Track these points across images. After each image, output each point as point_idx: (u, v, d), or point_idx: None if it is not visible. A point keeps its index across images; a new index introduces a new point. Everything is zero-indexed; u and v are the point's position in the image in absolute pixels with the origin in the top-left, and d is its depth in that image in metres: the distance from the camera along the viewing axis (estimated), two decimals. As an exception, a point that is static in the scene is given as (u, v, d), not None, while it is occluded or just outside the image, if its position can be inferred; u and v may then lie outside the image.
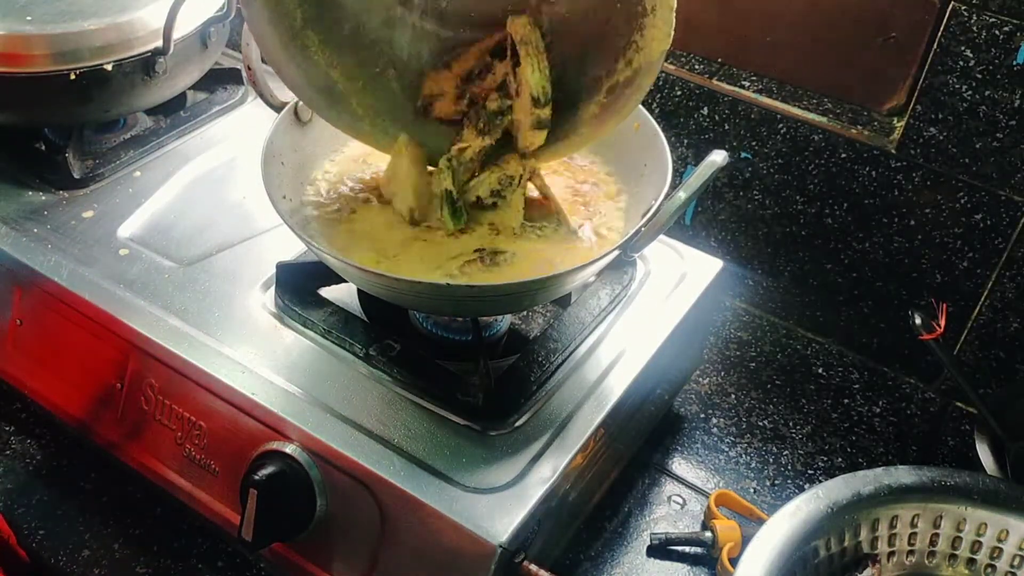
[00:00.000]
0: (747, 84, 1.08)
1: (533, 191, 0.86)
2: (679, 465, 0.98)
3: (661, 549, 0.89)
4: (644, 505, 0.93)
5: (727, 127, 1.09)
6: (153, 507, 0.89)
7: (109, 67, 0.98)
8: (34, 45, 0.95)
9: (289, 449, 0.75)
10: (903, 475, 0.79)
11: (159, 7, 1.01)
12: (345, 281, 0.87)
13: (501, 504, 0.70)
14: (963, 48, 0.91)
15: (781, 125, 1.06)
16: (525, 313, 0.93)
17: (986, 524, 0.78)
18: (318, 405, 0.77)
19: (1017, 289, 0.99)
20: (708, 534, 0.88)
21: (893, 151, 1.00)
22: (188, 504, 0.83)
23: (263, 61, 0.84)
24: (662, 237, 0.86)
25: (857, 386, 1.10)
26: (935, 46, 0.93)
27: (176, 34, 1.01)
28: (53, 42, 0.96)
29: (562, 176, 0.90)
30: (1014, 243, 0.97)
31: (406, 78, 0.85)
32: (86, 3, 1.00)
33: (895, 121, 1.03)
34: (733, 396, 1.07)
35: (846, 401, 1.08)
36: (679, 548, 0.89)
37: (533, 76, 0.79)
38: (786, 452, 1.01)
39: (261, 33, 0.79)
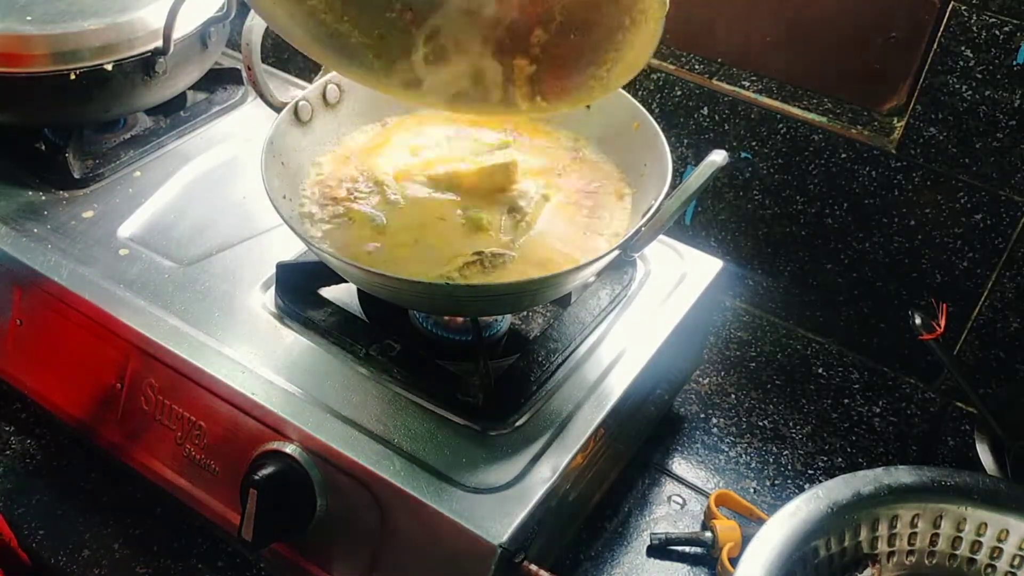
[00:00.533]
0: (747, 84, 1.08)
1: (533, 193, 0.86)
2: (679, 465, 0.98)
3: (661, 549, 0.89)
4: (644, 505, 0.93)
5: (727, 127, 1.09)
6: (153, 507, 0.89)
7: (109, 67, 0.98)
8: (34, 45, 0.95)
9: (289, 449, 0.75)
10: (903, 475, 0.79)
11: (159, 7, 1.01)
12: (345, 281, 0.87)
13: (501, 504, 0.70)
14: (963, 48, 0.91)
15: (781, 125, 1.06)
16: (525, 313, 0.93)
17: (986, 524, 0.78)
18: (318, 405, 0.77)
19: (1017, 289, 0.99)
20: (708, 534, 0.88)
21: (893, 151, 1.00)
22: (188, 504, 0.83)
23: (263, 59, 0.84)
24: (662, 237, 0.86)
25: (857, 386, 1.10)
26: (935, 46, 0.93)
27: (176, 34, 1.01)
28: (53, 42, 0.96)
29: (570, 176, 0.90)
30: (1014, 243, 0.97)
31: (424, 20, 0.82)
32: (86, 3, 1.00)
33: (895, 121, 1.03)
34: (733, 396, 1.07)
35: (846, 401, 1.08)
36: (679, 548, 0.89)
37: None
38: (786, 452, 1.01)
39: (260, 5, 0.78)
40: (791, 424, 1.04)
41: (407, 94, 0.84)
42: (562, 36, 0.81)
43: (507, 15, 0.81)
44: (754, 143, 1.08)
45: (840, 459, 1.00)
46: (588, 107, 0.92)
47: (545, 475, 0.73)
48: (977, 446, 0.91)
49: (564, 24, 0.80)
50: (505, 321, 0.90)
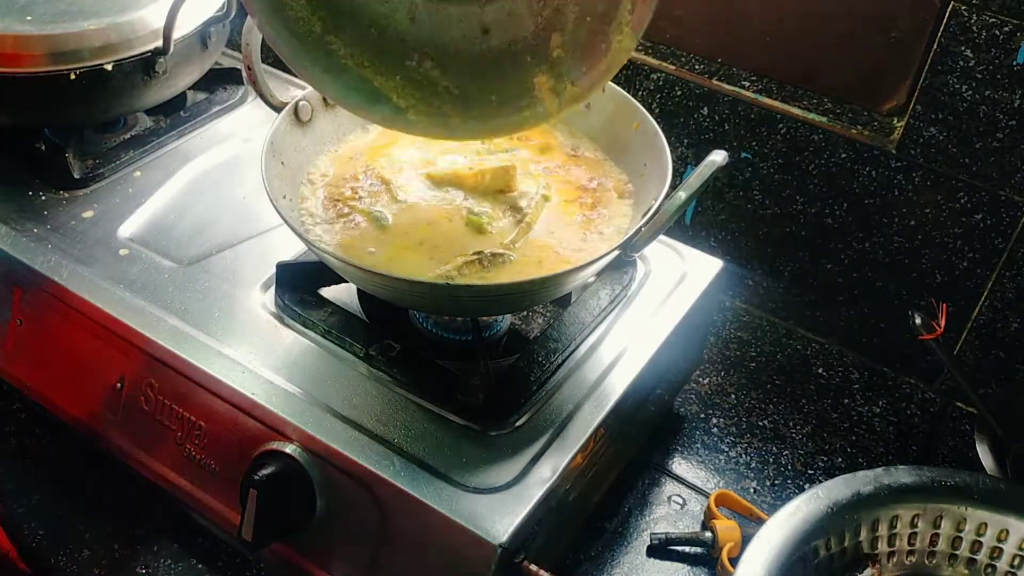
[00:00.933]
0: (747, 84, 1.08)
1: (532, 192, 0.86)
2: (679, 465, 0.98)
3: (661, 549, 0.89)
4: (644, 505, 0.93)
5: (727, 127, 1.09)
6: (153, 507, 0.89)
7: (109, 67, 0.97)
8: (34, 45, 0.95)
9: (289, 449, 0.75)
10: (903, 475, 0.79)
11: (159, 7, 1.01)
12: (345, 281, 0.87)
13: (501, 504, 0.70)
14: (963, 48, 0.91)
15: (781, 125, 1.06)
16: (525, 313, 0.93)
17: (986, 524, 0.78)
18: (318, 405, 0.77)
19: (1017, 289, 0.99)
20: (708, 534, 0.88)
21: (893, 151, 1.00)
22: (188, 504, 0.83)
23: (259, 72, 0.84)
24: (662, 237, 0.86)
25: (857, 386, 1.10)
26: (935, 46, 0.93)
27: (176, 34, 1.00)
28: (53, 42, 0.96)
29: (570, 176, 0.90)
30: (1014, 243, 0.97)
31: (447, 65, 0.82)
32: (86, 3, 1.00)
33: (895, 121, 1.03)
34: (733, 396, 1.07)
35: (846, 401, 1.08)
36: (679, 548, 0.89)
37: None
38: (786, 452, 1.01)
39: (275, 42, 0.78)
40: (791, 424, 1.04)
41: (436, 133, 0.84)
42: (579, 25, 0.80)
43: (521, 36, 0.81)
44: (754, 143, 1.08)
45: (840, 459, 1.00)
46: (588, 106, 0.92)
47: (545, 475, 0.73)
48: (977, 446, 0.91)
49: (579, 15, 0.79)
50: (505, 321, 0.90)
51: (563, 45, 0.80)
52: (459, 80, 0.83)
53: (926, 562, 0.79)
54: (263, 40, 0.84)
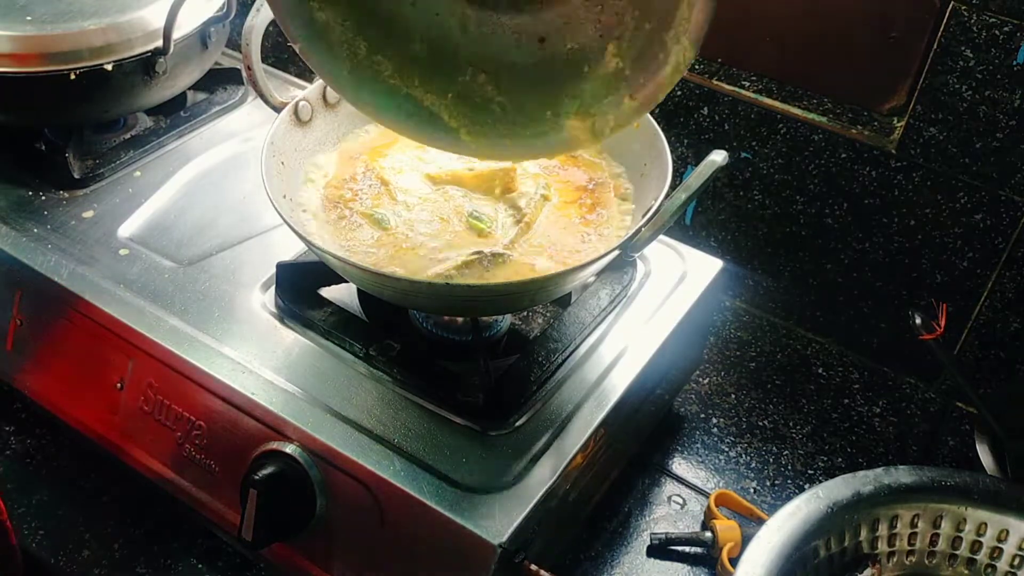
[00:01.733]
0: (747, 84, 1.08)
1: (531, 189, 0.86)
2: (679, 465, 0.98)
3: (661, 549, 0.89)
4: (644, 505, 0.93)
5: (727, 127, 1.09)
6: (153, 507, 0.89)
7: (109, 67, 0.98)
8: (34, 45, 0.95)
9: (289, 449, 0.75)
10: (903, 475, 0.79)
11: (159, 7, 1.01)
12: (345, 281, 0.87)
13: (501, 504, 0.70)
14: (963, 48, 0.91)
15: (781, 125, 1.06)
16: (525, 313, 0.93)
17: (986, 524, 0.78)
18: (318, 405, 0.77)
19: (1017, 289, 0.99)
20: (708, 534, 0.88)
21: (893, 151, 1.00)
22: (188, 504, 0.83)
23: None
24: (662, 237, 0.86)
25: (857, 386, 1.10)
26: (935, 46, 0.93)
27: (176, 34, 1.01)
28: (53, 42, 0.96)
29: (570, 176, 0.90)
30: (1014, 243, 0.97)
31: (501, 78, 0.79)
32: (86, 3, 1.01)
33: (895, 121, 1.03)
34: (733, 396, 1.07)
35: (846, 401, 1.08)
36: (679, 548, 0.89)
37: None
38: (786, 452, 1.01)
39: (318, 68, 0.75)
40: (791, 424, 1.04)
41: (490, 155, 0.81)
42: (637, 32, 0.75)
43: (578, 43, 0.77)
44: (754, 143, 1.08)
45: (840, 459, 1.00)
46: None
47: (545, 475, 0.73)
48: (977, 446, 0.91)
49: (638, 21, 0.75)
50: (505, 321, 0.90)
51: (621, 54, 0.76)
52: (513, 95, 0.79)
53: (926, 562, 0.79)
54: (263, 40, 0.84)
